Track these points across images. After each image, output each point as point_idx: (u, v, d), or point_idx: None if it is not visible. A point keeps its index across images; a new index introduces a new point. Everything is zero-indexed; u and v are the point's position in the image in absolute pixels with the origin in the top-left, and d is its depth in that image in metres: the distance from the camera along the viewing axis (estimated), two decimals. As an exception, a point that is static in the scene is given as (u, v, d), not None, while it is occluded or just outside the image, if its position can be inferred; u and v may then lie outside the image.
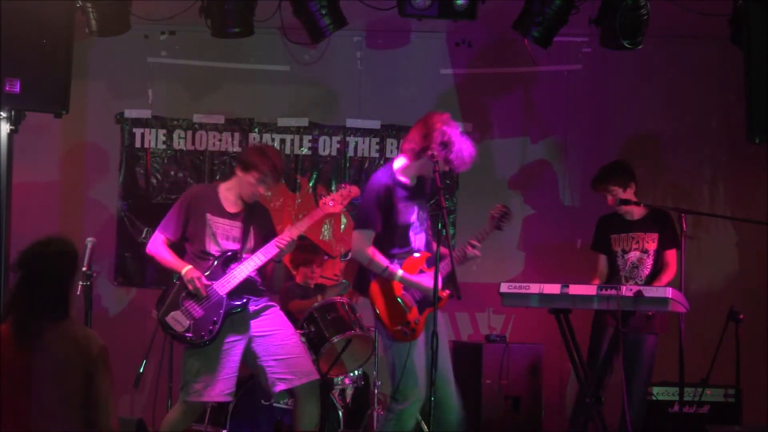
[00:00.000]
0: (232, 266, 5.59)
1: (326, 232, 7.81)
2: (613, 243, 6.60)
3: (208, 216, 5.63)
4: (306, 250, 7.36)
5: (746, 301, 6.92)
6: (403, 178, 5.45)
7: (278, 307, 5.80)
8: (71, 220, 7.68)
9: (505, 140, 7.93)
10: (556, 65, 7.65)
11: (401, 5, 6.58)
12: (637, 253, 6.51)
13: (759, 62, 6.29)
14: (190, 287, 5.50)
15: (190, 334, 5.51)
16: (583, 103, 7.89)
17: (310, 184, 7.81)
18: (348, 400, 6.73)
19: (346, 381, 6.70)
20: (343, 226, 7.82)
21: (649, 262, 6.49)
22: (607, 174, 6.59)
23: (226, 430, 6.26)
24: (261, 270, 5.72)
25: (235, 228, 5.66)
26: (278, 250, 5.57)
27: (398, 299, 5.38)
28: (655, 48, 7.35)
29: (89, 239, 5.67)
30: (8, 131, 6.37)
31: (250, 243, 5.67)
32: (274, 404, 6.38)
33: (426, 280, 5.34)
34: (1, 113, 6.30)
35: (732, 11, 6.64)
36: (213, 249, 5.62)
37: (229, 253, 5.62)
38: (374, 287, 5.44)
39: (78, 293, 5.49)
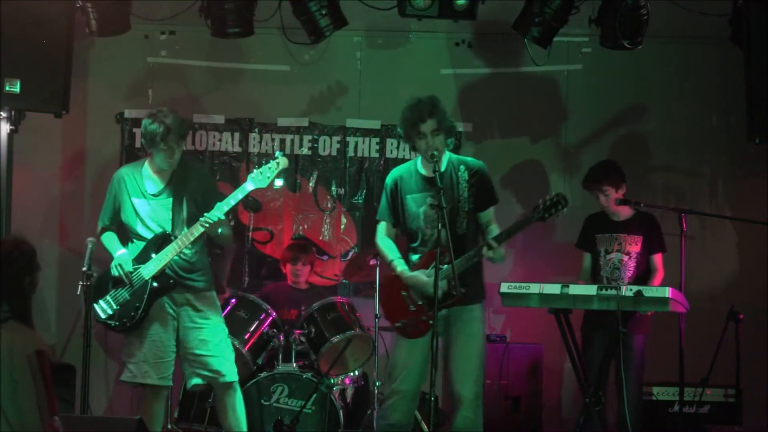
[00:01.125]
0: (162, 248, 5.54)
1: (326, 232, 7.80)
2: (597, 242, 6.59)
3: (133, 200, 5.62)
4: (294, 247, 7.35)
5: (746, 301, 6.91)
6: (423, 170, 5.38)
7: (215, 295, 5.76)
8: (71, 220, 7.68)
9: (504, 140, 7.92)
10: (556, 65, 7.64)
11: (401, 5, 6.59)
12: (618, 255, 6.49)
13: (759, 62, 6.30)
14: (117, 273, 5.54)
15: (113, 321, 5.54)
16: (583, 103, 7.89)
17: (310, 184, 7.80)
18: (348, 400, 6.73)
19: (346, 381, 6.70)
20: (343, 226, 7.82)
21: (631, 264, 6.47)
22: (600, 174, 6.56)
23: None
24: (202, 246, 5.69)
25: (161, 207, 5.60)
26: (203, 229, 5.47)
27: (403, 293, 5.33)
28: (655, 48, 7.35)
29: (90, 239, 5.67)
30: (8, 131, 6.38)
31: (185, 215, 5.58)
32: (274, 404, 6.39)
33: (425, 278, 5.23)
34: (1, 113, 6.30)
35: (732, 11, 6.65)
36: (144, 232, 5.61)
37: (161, 235, 5.57)
38: (384, 279, 5.46)
39: (78, 293, 5.50)
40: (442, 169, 5.29)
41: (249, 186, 5.54)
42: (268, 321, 6.60)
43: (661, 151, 7.84)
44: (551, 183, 7.83)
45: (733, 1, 6.62)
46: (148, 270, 5.53)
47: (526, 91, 7.87)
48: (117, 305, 5.54)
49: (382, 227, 5.47)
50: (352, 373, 6.71)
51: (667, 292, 5.41)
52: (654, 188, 7.70)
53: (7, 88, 6.12)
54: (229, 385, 5.67)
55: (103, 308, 5.56)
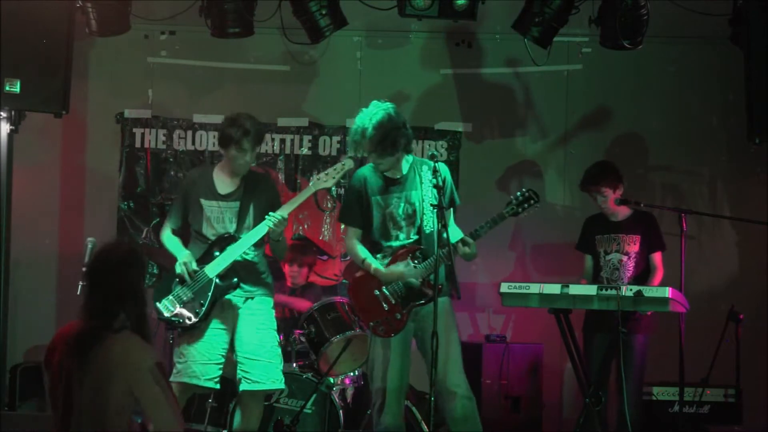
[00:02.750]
0: (226, 248, 5.57)
1: (326, 232, 7.80)
2: (597, 243, 6.58)
3: (202, 200, 5.64)
4: (293, 248, 7.34)
5: (746, 301, 6.92)
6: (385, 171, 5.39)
7: (272, 301, 5.74)
8: (71, 220, 7.69)
9: (504, 140, 7.93)
10: (556, 65, 7.64)
11: (401, 5, 6.59)
12: (617, 255, 6.49)
13: (759, 62, 6.30)
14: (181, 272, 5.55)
15: (177, 319, 5.55)
16: (583, 103, 7.90)
17: (310, 184, 7.79)
18: (348, 400, 6.73)
19: (346, 381, 6.70)
20: (343, 226, 7.80)
21: (630, 264, 6.45)
22: (598, 175, 6.54)
23: (226, 430, 6.26)
24: (264, 251, 5.73)
25: (229, 209, 5.63)
26: (267, 229, 5.51)
27: (376, 293, 5.31)
28: (655, 48, 7.35)
29: (89, 239, 5.68)
30: (8, 131, 6.38)
31: (250, 222, 5.62)
32: (274, 404, 6.39)
33: (403, 268, 5.24)
34: (1, 113, 6.30)
35: (732, 11, 6.65)
36: (209, 233, 5.63)
37: (225, 236, 5.59)
38: (354, 280, 5.44)
39: (78, 293, 5.50)
40: (404, 171, 5.35)
41: (312, 188, 5.66)
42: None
43: (661, 151, 7.85)
44: (551, 183, 7.84)
45: (733, 1, 6.62)
46: (213, 269, 5.54)
47: (526, 92, 7.87)
48: (180, 304, 5.55)
49: (352, 231, 5.47)
50: (352, 373, 6.70)
51: (667, 292, 5.41)
52: (653, 188, 7.71)
53: (7, 88, 6.11)
54: (263, 393, 5.69)
55: (166, 306, 5.56)
